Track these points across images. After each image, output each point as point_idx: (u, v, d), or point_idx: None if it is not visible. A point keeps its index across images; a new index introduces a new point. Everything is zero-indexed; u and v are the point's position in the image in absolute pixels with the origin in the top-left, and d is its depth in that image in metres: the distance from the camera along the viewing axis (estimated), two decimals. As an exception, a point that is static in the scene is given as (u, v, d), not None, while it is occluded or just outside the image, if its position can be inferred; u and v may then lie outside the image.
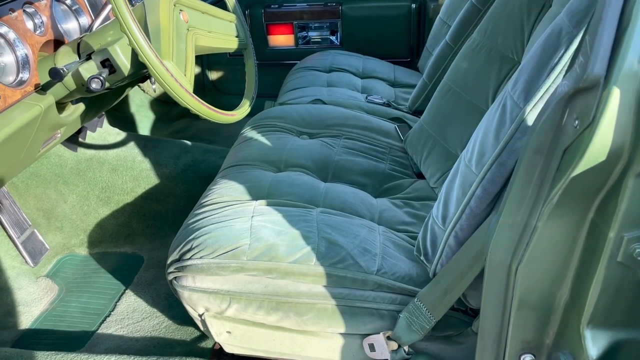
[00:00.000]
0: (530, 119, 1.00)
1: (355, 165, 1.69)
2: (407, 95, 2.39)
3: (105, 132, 2.32)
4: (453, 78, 1.70)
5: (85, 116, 1.71)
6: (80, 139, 2.22)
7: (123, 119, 2.81)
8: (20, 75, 1.37)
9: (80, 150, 2.20)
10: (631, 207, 0.70)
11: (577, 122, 0.71)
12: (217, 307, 1.26)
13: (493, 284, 0.89)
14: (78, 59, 1.38)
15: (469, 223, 1.10)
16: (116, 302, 1.82)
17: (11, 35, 1.35)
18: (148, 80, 1.82)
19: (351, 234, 1.30)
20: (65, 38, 1.56)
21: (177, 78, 1.25)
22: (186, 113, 3.07)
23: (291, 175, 1.59)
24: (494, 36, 1.60)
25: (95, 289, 1.90)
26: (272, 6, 2.94)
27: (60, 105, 1.52)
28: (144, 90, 3.03)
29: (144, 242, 2.11)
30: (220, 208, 1.39)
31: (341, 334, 1.27)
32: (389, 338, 1.21)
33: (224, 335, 1.32)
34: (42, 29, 1.47)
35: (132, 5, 1.66)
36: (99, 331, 1.71)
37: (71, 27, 1.63)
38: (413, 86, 2.40)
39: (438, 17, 2.52)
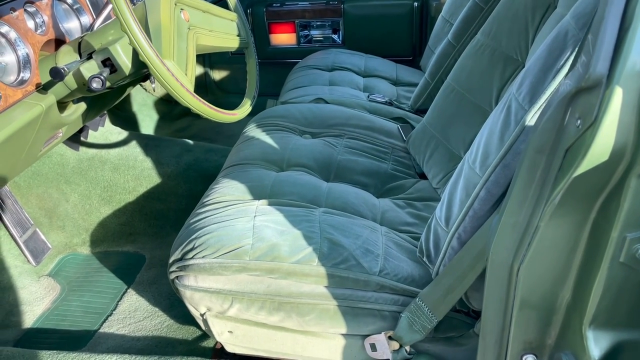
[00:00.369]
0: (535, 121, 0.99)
1: (358, 165, 1.69)
2: (409, 94, 2.38)
3: (107, 131, 2.33)
4: (457, 78, 1.70)
5: (87, 115, 1.71)
6: (82, 138, 2.22)
7: (125, 118, 2.81)
8: (22, 74, 1.37)
9: (82, 149, 2.21)
10: (634, 207, 0.70)
11: (579, 121, 0.71)
12: (219, 306, 1.26)
13: (495, 284, 0.89)
14: (79, 59, 1.38)
15: (473, 225, 1.10)
16: (118, 302, 1.82)
17: (12, 35, 1.35)
18: (149, 79, 1.82)
19: (354, 234, 1.30)
20: (67, 37, 1.55)
21: (178, 77, 1.25)
22: (188, 112, 3.06)
23: (293, 174, 1.59)
24: (498, 37, 1.59)
25: (97, 288, 1.90)
26: (274, 5, 2.94)
27: (62, 105, 1.52)
28: (145, 90, 3.03)
29: (145, 241, 2.11)
30: (222, 207, 1.39)
31: (343, 334, 1.26)
32: (390, 338, 1.20)
33: (225, 335, 1.32)
34: (43, 28, 1.47)
35: (133, 4, 1.66)
36: (100, 330, 1.71)
37: (72, 26, 1.63)
38: (415, 85, 2.40)
39: (440, 15, 2.51)
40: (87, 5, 1.69)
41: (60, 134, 1.63)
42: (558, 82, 0.99)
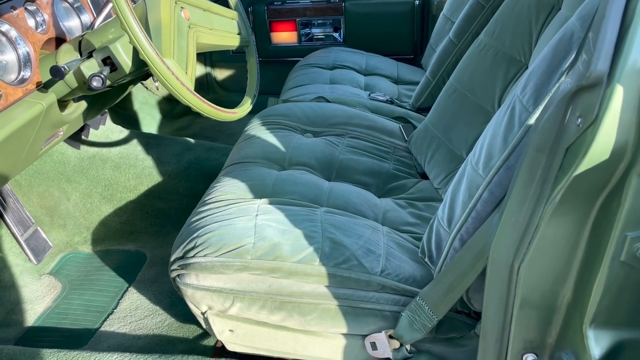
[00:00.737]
0: None
1: (359, 164, 1.69)
2: (410, 93, 2.38)
3: (108, 129, 2.33)
4: (459, 79, 1.69)
5: (88, 114, 1.71)
6: (83, 137, 2.22)
7: (126, 116, 2.81)
8: (22, 73, 1.37)
9: (83, 148, 2.21)
10: (634, 206, 0.69)
11: (580, 120, 0.71)
12: (220, 305, 1.26)
13: (495, 283, 0.88)
14: (79, 57, 1.37)
15: (475, 226, 1.09)
16: (119, 300, 1.82)
17: (13, 33, 1.35)
18: (150, 78, 1.82)
19: (355, 234, 1.30)
20: (67, 36, 1.55)
21: (178, 76, 1.25)
22: (189, 111, 3.04)
23: (295, 173, 1.58)
24: (501, 38, 1.59)
25: (98, 286, 1.90)
26: (275, 3, 2.94)
27: (62, 103, 1.52)
28: (147, 88, 3.03)
29: (146, 239, 2.11)
30: (223, 206, 1.39)
31: (344, 334, 1.26)
32: (390, 337, 1.20)
33: (226, 334, 1.32)
34: (44, 26, 1.47)
35: (134, 2, 1.66)
36: (101, 329, 1.72)
37: (73, 24, 1.63)
38: (416, 83, 2.39)
39: (441, 13, 2.51)
40: (87, 3, 1.68)
41: (61, 133, 1.63)
42: (563, 84, 0.98)
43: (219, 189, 1.48)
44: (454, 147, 1.59)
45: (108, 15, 1.56)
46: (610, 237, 0.72)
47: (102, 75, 1.28)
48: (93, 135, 2.26)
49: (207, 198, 1.45)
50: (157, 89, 3.04)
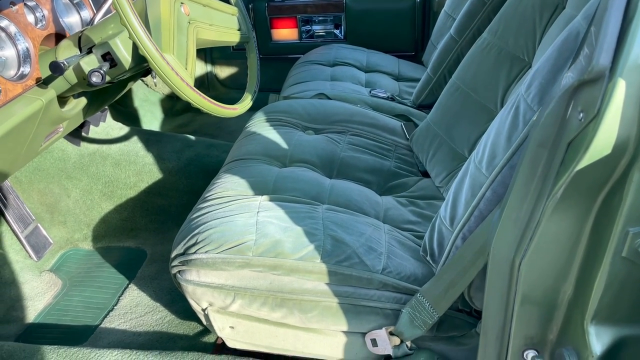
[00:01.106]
0: None
1: (361, 162, 1.68)
2: (411, 90, 2.38)
3: (109, 126, 2.32)
4: (462, 77, 1.69)
5: (88, 110, 1.71)
6: (83, 134, 2.22)
7: (126, 113, 2.81)
8: (22, 69, 1.36)
9: (84, 144, 2.20)
10: (636, 201, 0.69)
11: (581, 114, 0.70)
12: (221, 302, 1.25)
13: (496, 279, 0.88)
14: (79, 53, 1.37)
15: (478, 225, 1.09)
16: (119, 297, 1.82)
17: (12, 29, 1.35)
18: (150, 74, 1.81)
19: (357, 232, 1.30)
20: (67, 32, 1.55)
21: (178, 71, 1.24)
22: (189, 108, 3.07)
23: (296, 170, 1.58)
24: (504, 36, 1.58)
25: (98, 283, 1.90)
26: (276, 0, 2.93)
27: (62, 99, 1.52)
28: (147, 85, 3.03)
29: (147, 236, 2.11)
30: (225, 203, 1.38)
31: (344, 332, 1.26)
32: (391, 333, 1.20)
33: (226, 330, 1.32)
34: (44, 22, 1.47)
35: (134, -2, 1.65)
36: (102, 325, 1.71)
37: (73, 20, 1.63)
38: (417, 80, 2.39)
39: (443, 10, 2.50)
40: (87, -1, 1.68)
41: (61, 129, 1.62)
42: (568, 83, 0.98)
43: (219, 186, 1.48)
44: (456, 146, 1.58)
45: (108, 11, 1.55)
46: (612, 232, 0.72)
47: (102, 71, 1.27)
48: (93, 132, 2.26)
49: (207, 195, 1.45)
50: (155, 85, 3.04)
